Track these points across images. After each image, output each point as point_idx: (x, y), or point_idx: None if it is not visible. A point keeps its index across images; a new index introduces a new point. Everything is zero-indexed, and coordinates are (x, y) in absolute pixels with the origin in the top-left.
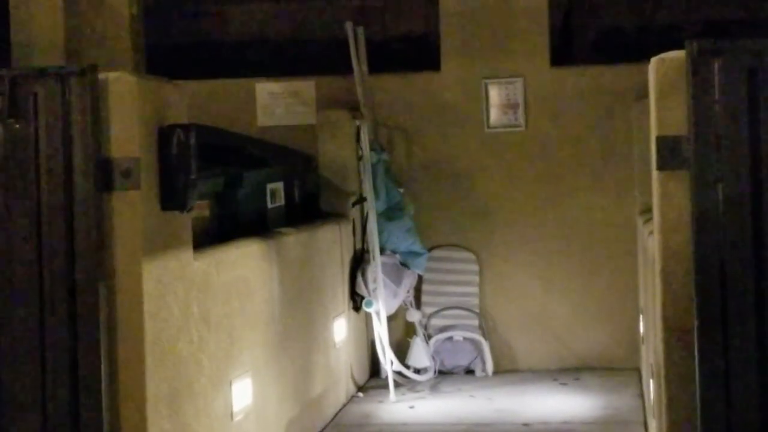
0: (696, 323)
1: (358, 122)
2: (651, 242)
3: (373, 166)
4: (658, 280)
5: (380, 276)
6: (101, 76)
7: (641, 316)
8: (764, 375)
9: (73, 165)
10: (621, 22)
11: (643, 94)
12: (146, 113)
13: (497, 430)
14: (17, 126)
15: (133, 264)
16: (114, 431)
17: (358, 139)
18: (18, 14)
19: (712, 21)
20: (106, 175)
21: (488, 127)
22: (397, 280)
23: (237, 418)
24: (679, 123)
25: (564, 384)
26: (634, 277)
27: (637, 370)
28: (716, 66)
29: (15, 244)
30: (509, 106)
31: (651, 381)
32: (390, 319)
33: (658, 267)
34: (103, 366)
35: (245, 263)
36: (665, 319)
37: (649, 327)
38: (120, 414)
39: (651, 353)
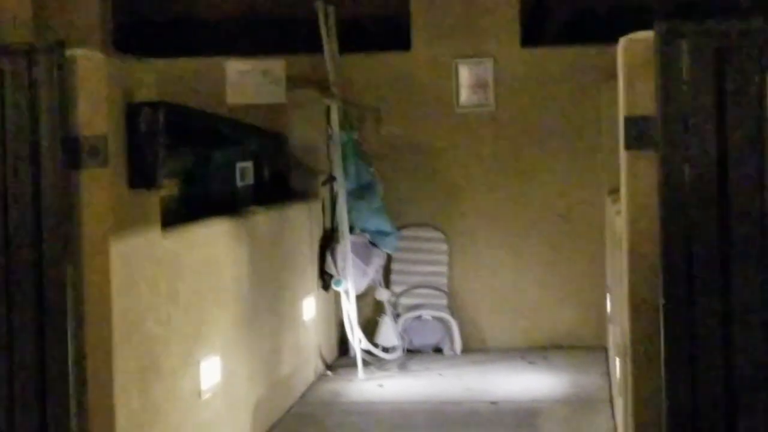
0: (662, 302)
1: (328, 101)
2: (618, 222)
3: (343, 146)
4: (625, 260)
5: (349, 255)
6: (69, 53)
7: (608, 296)
8: (729, 353)
9: (40, 143)
10: (592, 3)
11: (612, 75)
12: (114, 91)
13: (465, 409)
14: None
15: (100, 242)
16: (81, 410)
17: (328, 119)
18: None
19: (683, 2)
20: (73, 153)
21: (458, 106)
22: (367, 260)
23: (205, 397)
24: (647, 104)
25: (532, 363)
26: (602, 256)
27: (604, 349)
28: (684, 47)
29: None
30: (479, 86)
31: (617, 359)
32: (359, 298)
33: (625, 246)
34: (70, 344)
35: (214, 242)
36: (632, 298)
37: (615, 306)
38: (87, 393)
39: (618, 332)
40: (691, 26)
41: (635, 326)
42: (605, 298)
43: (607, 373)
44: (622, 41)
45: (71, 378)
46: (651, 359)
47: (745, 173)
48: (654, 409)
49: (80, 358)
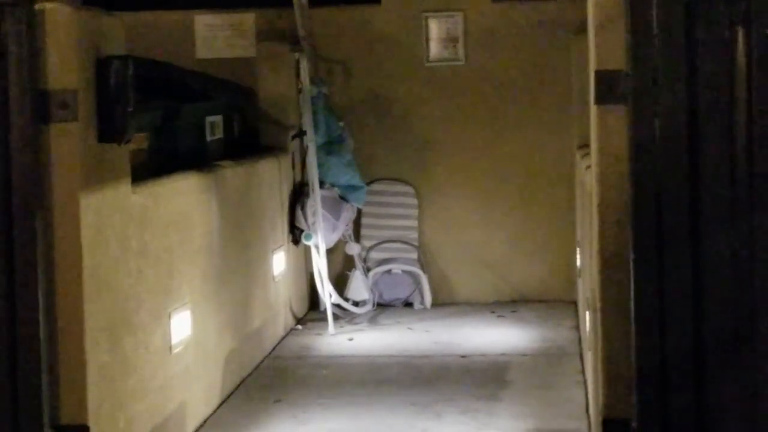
0: (632, 256)
1: (297, 55)
2: (588, 176)
3: (313, 100)
4: (595, 214)
5: (319, 209)
6: (37, 6)
7: (578, 250)
8: (698, 307)
9: (9, 97)
10: None
11: (583, 29)
12: (83, 44)
13: (435, 362)
14: None
15: (70, 196)
16: (52, 365)
17: (297, 72)
18: None
19: None
20: (43, 107)
21: (428, 61)
22: (337, 214)
23: (176, 351)
24: (617, 58)
25: (501, 316)
26: (572, 210)
27: (574, 303)
28: (655, 0)
29: None
30: (449, 40)
31: (587, 313)
32: (329, 252)
33: (595, 200)
34: (40, 299)
35: (184, 196)
36: (601, 252)
37: (585, 260)
38: (58, 347)
39: (587, 286)
40: None
41: (605, 280)
42: (575, 253)
43: (577, 327)
44: None
45: (41, 332)
46: (620, 313)
47: (715, 127)
48: (623, 363)
49: (51, 312)
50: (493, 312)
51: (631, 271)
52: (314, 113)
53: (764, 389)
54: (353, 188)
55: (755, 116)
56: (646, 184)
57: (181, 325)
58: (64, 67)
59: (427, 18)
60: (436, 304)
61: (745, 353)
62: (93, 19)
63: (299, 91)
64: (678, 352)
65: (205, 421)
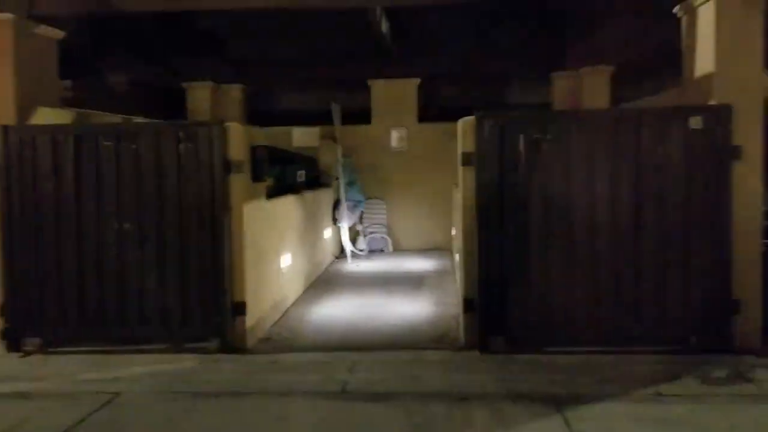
0: (476, 228)
1: (337, 145)
2: (457, 196)
3: (343, 164)
4: (459, 213)
5: (344, 210)
6: (226, 124)
7: (453, 227)
8: (504, 252)
9: (214, 163)
10: (450, 101)
11: (455, 135)
12: (246, 139)
13: (393, 274)
14: (189, 145)
15: (239, 206)
16: (231, 279)
17: (336, 151)
18: (194, 104)
19: (490, 102)
20: (228, 167)
21: (392, 148)
22: (352, 212)
23: (284, 271)
24: (470, 146)
25: (424, 256)
26: (449, 212)
27: (450, 251)
28: (486, 123)
29: (190, 203)
30: (401, 139)
31: (456, 255)
32: (349, 229)
33: (460, 206)
34: (225, 250)
35: (289, 205)
36: (464, 227)
37: (457, 231)
38: (234, 270)
39: (456, 243)
40: (489, 113)
41: (465, 240)
42: (451, 228)
43: (451, 261)
44: (461, 121)
45: (226, 264)
46: (471, 254)
47: (510, 179)
48: (472, 275)
49: (231, 255)
50: (420, 254)
51: (476, 236)
52: (344, 170)
53: (530, 293)
54: (360, 202)
55: (530, 172)
56: (483, 200)
57: (286, 259)
58: (237, 150)
59: (390, 129)
60: (395, 251)
61: (520, 276)
62: (250, 129)
63: (337, 160)
64: (494, 272)
65: (295, 301)
